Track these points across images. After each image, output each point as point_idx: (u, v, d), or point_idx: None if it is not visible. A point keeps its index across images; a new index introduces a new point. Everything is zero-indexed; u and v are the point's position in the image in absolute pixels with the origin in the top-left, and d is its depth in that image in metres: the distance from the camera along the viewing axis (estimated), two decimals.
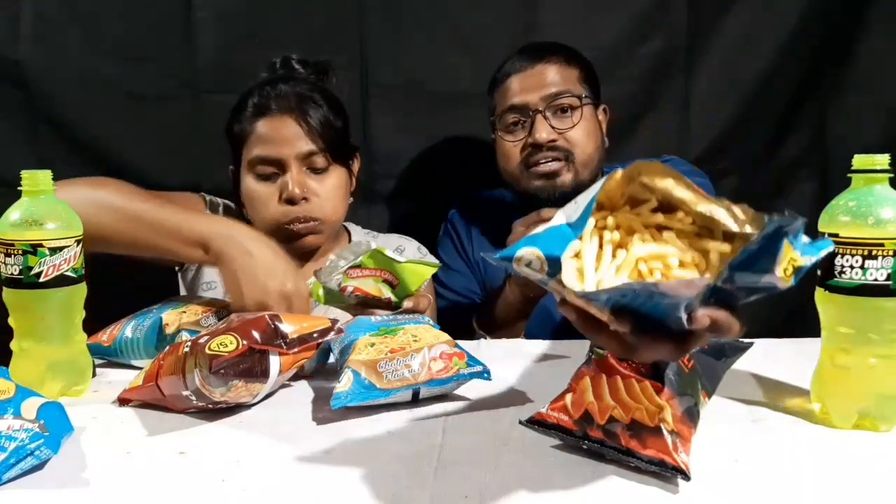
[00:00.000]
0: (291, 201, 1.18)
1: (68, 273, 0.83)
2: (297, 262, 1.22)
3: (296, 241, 1.21)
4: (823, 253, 0.59)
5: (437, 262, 1.01)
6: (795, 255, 0.58)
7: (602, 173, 1.35)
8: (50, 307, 0.83)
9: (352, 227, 1.40)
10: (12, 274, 0.81)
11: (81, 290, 0.85)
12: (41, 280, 0.81)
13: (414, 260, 1.02)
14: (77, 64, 1.53)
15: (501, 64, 1.36)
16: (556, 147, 1.28)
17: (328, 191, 1.22)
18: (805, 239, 0.56)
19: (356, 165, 1.32)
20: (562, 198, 1.23)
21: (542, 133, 1.27)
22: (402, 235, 1.38)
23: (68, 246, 0.82)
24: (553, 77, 1.30)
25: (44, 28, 1.51)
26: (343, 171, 1.25)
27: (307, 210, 1.19)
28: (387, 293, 0.97)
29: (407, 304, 0.99)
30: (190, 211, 1.06)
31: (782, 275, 0.56)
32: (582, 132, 1.29)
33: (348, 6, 1.55)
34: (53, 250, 0.81)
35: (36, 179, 0.83)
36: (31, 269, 0.81)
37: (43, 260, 0.81)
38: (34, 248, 0.80)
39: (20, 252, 0.80)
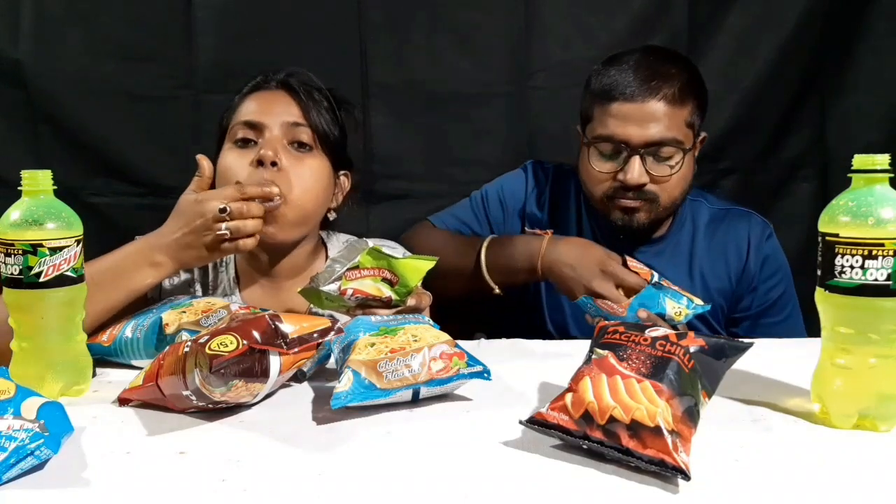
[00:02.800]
0: (260, 162, 1.06)
1: (68, 273, 0.83)
2: (270, 278, 1.18)
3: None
4: (703, 311, 1.09)
5: (433, 257, 1.00)
6: (681, 306, 1.07)
7: (680, 205, 1.32)
8: (50, 307, 0.83)
9: (327, 237, 1.26)
10: (12, 274, 0.81)
11: (81, 289, 0.85)
12: (41, 280, 0.81)
13: (412, 255, 1.02)
14: (77, 64, 1.53)
15: (612, 63, 1.25)
16: (644, 191, 1.22)
17: (304, 172, 1.10)
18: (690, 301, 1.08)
19: (347, 183, 1.21)
20: (637, 231, 1.26)
21: (634, 174, 1.21)
22: (385, 241, 1.27)
23: (68, 246, 0.82)
24: (661, 119, 1.20)
25: (44, 28, 1.52)
26: (328, 167, 1.14)
27: (274, 178, 1.06)
28: (386, 292, 0.97)
29: (411, 301, 0.99)
30: (111, 254, 1.03)
31: (675, 315, 1.06)
32: (675, 181, 1.23)
33: (348, 6, 1.55)
34: (53, 250, 0.81)
35: (36, 179, 0.83)
36: (31, 268, 0.81)
37: (43, 260, 0.81)
38: (34, 248, 0.80)
39: (20, 252, 0.80)
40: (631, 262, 1.11)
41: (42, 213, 0.82)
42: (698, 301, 1.08)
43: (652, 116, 1.20)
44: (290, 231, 1.10)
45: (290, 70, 1.18)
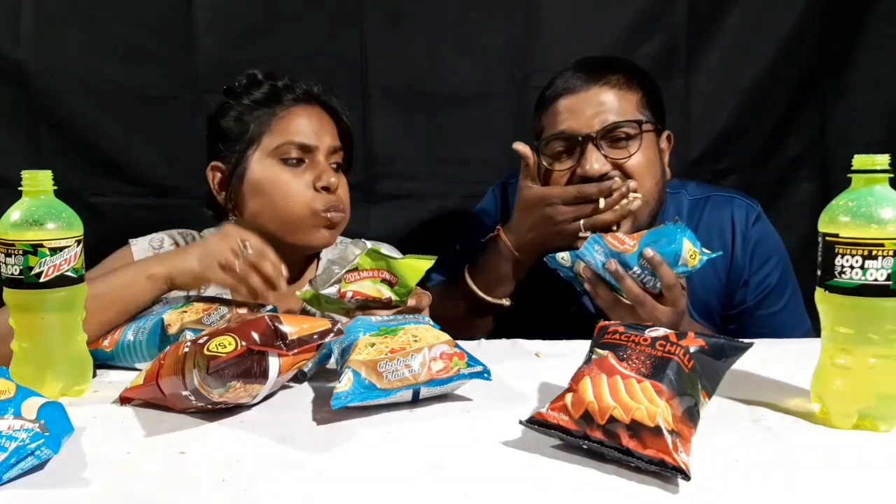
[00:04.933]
0: (328, 189, 1.15)
1: (68, 273, 0.83)
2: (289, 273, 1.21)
3: (320, 233, 1.16)
4: (716, 255, 1.05)
5: (432, 256, 1.00)
6: (696, 249, 1.01)
7: (661, 206, 1.22)
8: (50, 307, 0.83)
9: None
10: (12, 274, 0.81)
11: (82, 290, 0.85)
12: (41, 280, 0.81)
13: (410, 255, 1.02)
14: (77, 64, 1.53)
15: (553, 79, 1.23)
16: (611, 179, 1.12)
17: (346, 190, 1.21)
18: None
19: None
20: None
21: (594, 164, 1.12)
22: (376, 242, 1.25)
23: (69, 246, 0.82)
24: (610, 103, 1.14)
25: (44, 28, 1.52)
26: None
27: (341, 200, 1.17)
28: (386, 293, 0.97)
29: (411, 301, 0.99)
30: (117, 270, 1.05)
31: (689, 257, 1.00)
32: (640, 163, 1.14)
33: (348, 6, 1.56)
34: (54, 250, 0.81)
35: (36, 179, 0.83)
36: (31, 269, 0.81)
37: (43, 260, 0.81)
38: (34, 248, 0.80)
39: (20, 252, 0.80)
40: (615, 236, 1.05)
41: (42, 214, 0.82)
42: (707, 251, 1.03)
43: (599, 103, 1.15)
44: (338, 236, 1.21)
45: (322, 85, 1.23)
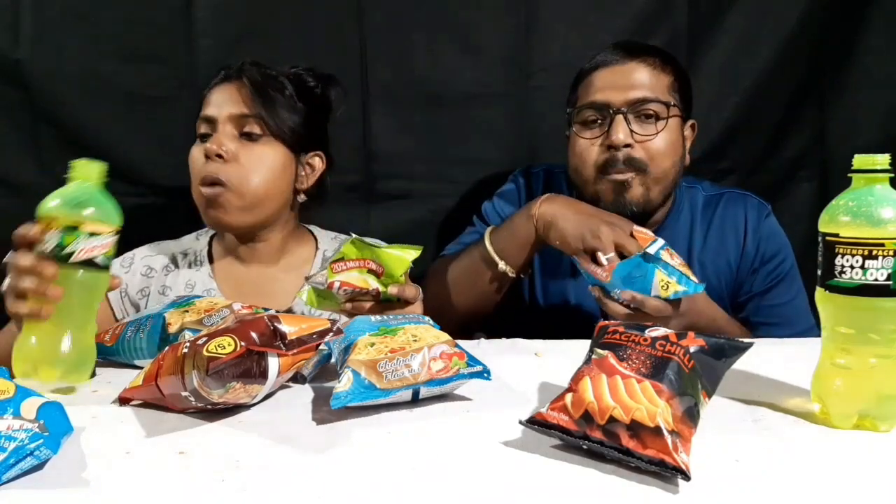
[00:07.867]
0: (207, 156, 1.14)
1: (98, 259, 0.85)
2: (247, 265, 1.21)
3: (207, 213, 1.16)
4: (696, 291, 1.01)
5: (418, 246, 1.00)
6: (671, 280, 1.00)
7: (674, 194, 1.30)
8: (72, 288, 0.84)
9: (317, 231, 1.32)
10: (46, 248, 0.83)
11: (105, 278, 0.87)
12: (71, 260, 0.83)
13: (395, 245, 1.02)
14: (77, 64, 1.53)
15: (592, 56, 1.29)
16: (632, 157, 1.20)
17: (252, 160, 1.15)
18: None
19: (320, 163, 1.26)
20: (633, 213, 1.20)
21: (620, 134, 1.19)
22: (377, 241, 1.25)
23: (105, 233, 0.85)
24: (643, 79, 1.22)
25: (44, 28, 1.51)
26: (283, 151, 1.19)
27: (218, 170, 1.13)
28: (373, 284, 0.97)
29: (392, 289, 0.98)
30: None
31: (661, 288, 1.00)
32: (662, 143, 1.22)
33: (348, 6, 1.56)
34: (91, 234, 0.84)
35: (87, 169, 0.87)
36: (64, 247, 0.83)
37: (78, 240, 0.83)
38: (73, 229, 0.83)
39: (59, 228, 0.83)
40: (636, 229, 1.08)
41: (88, 198, 0.86)
42: (695, 279, 1.02)
43: (633, 78, 1.22)
44: (239, 215, 1.16)
45: (246, 61, 1.22)
